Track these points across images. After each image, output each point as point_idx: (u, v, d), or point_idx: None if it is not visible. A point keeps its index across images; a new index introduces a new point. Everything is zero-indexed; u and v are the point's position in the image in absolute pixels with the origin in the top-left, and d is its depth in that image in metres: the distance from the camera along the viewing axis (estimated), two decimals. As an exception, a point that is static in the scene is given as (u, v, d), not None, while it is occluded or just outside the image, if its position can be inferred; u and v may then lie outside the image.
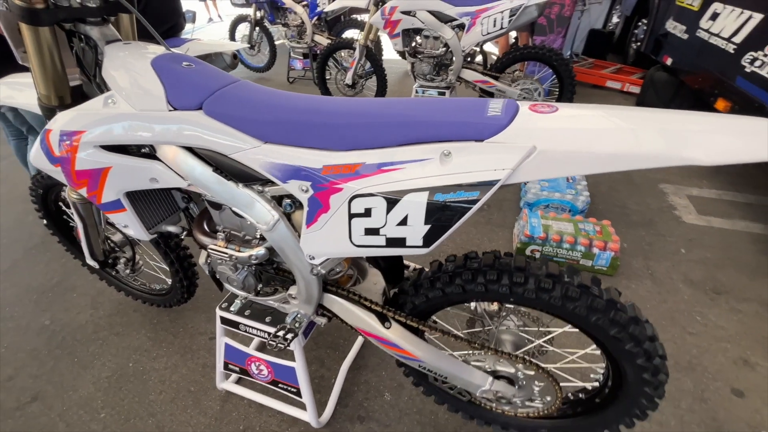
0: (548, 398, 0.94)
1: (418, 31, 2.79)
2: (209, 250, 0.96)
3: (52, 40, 0.80)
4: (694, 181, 2.58)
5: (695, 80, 2.94)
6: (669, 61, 3.40)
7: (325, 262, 0.85)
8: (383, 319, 0.96)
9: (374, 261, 0.98)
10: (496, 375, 0.95)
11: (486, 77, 2.79)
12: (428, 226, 0.65)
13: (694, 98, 3.23)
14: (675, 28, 3.38)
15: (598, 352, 0.92)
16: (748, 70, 2.29)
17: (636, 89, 3.88)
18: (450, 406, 1.20)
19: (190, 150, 0.82)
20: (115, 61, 0.81)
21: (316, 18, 4.10)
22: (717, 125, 0.51)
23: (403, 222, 0.67)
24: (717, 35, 2.68)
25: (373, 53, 3.13)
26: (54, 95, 0.86)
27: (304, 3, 4.06)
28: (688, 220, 2.20)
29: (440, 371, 0.94)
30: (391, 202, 0.66)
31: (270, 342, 0.99)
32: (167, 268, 1.44)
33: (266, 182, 0.82)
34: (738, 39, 2.43)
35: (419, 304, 0.94)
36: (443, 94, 2.92)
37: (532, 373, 0.90)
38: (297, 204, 0.84)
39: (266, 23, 4.53)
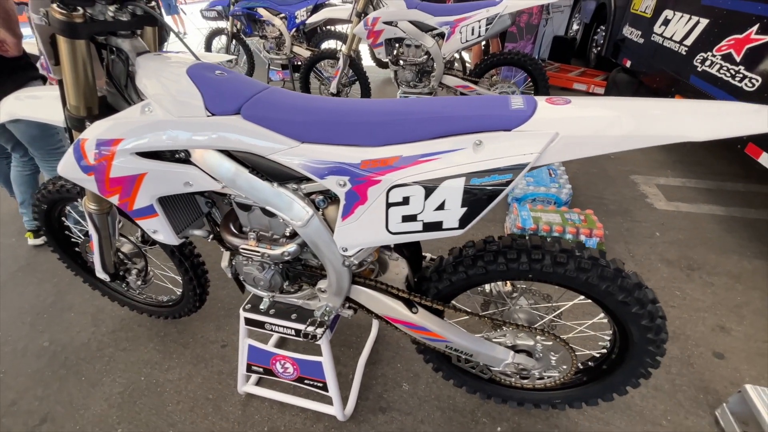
0: (564, 366, 1.03)
1: (400, 41, 2.91)
2: (241, 251, 0.99)
3: (87, 52, 0.83)
4: (661, 171, 2.81)
5: (653, 80, 3.21)
6: (628, 64, 3.69)
7: (358, 253, 0.91)
8: (410, 305, 1.02)
9: (399, 250, 1.04)
10: (517, 348, 1.03)
11: (466, 82, 2.94)
12: (464, 209, 0.73)
13: (653, 96, 3.51)
14: (631, 33, 3.68)
15: (605, 320, 1.03)
16: (700, 69, 2.54)
17: (601, 90, 4.16)
18: (468, 388, 1.28)
19: (226, 153, 0.86)
20: (150, 71, 0.85)
21: (294, 29, 4.16)
22: (702, 109, 0.62)
23: (441, 207, 0.74)
24: (670, 39, 2.95)
25: (356, 62, 3.22)
26: (83, 106, 0.88)
27: (282, 15, 4.11)
28: (659, 207, 2.40)
29: (466, 349, 1.02)
30: (430, 189, 0.73)
31: (302, 336, 1.02)
32: (177, 278, 1.44)
33: (301, 180, 0.87)
34: (689, 42, 2.70)
35: (443, 289, 1.01)
36: (426, 99, 3.04)
37: (550, 343, 0.99)
38: (329, 200, 0.90)
39: (242, 36, 4.55)
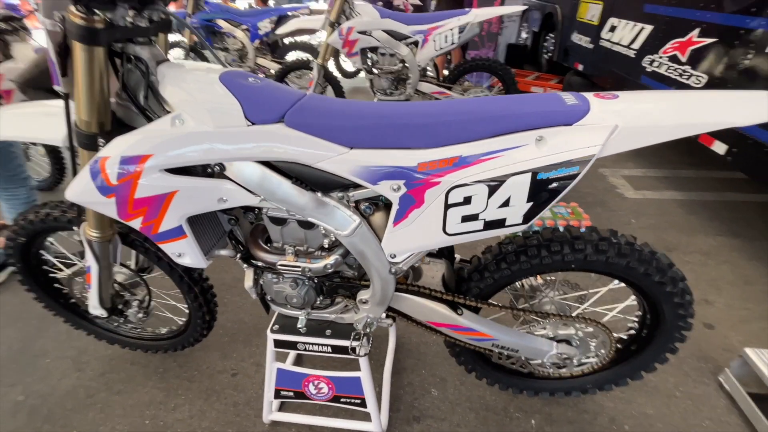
0: (602, 351, 1.08)
1: (374, 49, 2.94)
2: (279, 267, 0.93)
3: (105, 61, 0.75)
4: (623, 164, 3.05)
5: (606, 81, 3.50)
6: (580, 67, 4.00)
7: (408, 258, 0.89)
8: (454, 307, 1.02)
9: (439, 252, 1.04)
10: (558, 339, 1.06)
11: (441, 88, 3.02)
12: (530, 204, 0.74)
13: (605, 96, 3.83)
14: (580, 39, 4.00)
15: (634, 303, 1.08)
16: (649, 70, 2.81)
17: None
18: (501, 385, 1.29)
19: (266, 164, 0.81)
20: (178, 81, 0.78)
21: (258, 41, 4.06)
22: (734, 97, 0.69)
23: (505, 204, 0.75)
24: (618, 44, 3.24)
25: (329, 72, 3.20)
26: (96, 122, 0.79)
27: (244, 27, 4.00)
28: (629, 196, 2.60)
29: (513, 345, 1.02)
30: (494, 187, 0.74)
31: (350, 350, 0.98)
32: (179, 305, 1.32)
33: (347, 188, 0.84)
34: (636, 46, 2.98)
35: (484, 288, 1.01)
36: (404, 106, 3.09)
37: (591, 329, 1.03)
38: (375, 206, 0.87)
39: (200, 48, 4.35)
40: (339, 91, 3.33)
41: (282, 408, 1.33)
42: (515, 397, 1.38)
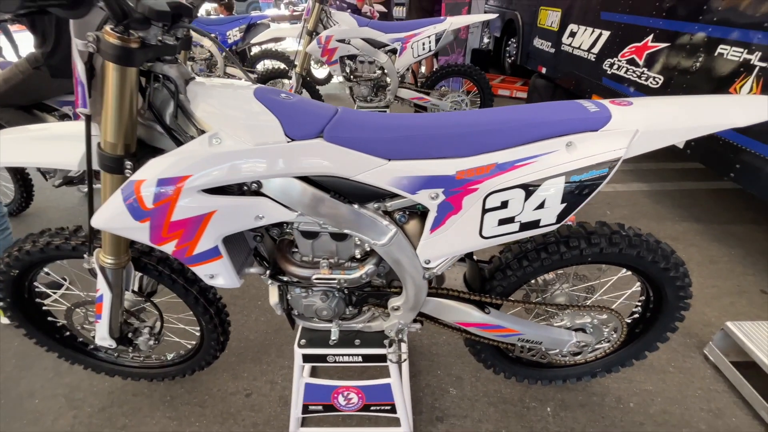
0: (614, 335, 1.16)
1: (353, 57, 2.96)
2: (315, 281, 0.93)
3: (136, 82, 0.72)
4: (591, 160, 3.27)
5: (569, 83, 3.74)
6: (544, 70, 4.24)
7: (442, 264, 0.92)
8: (481, 306, 1.06)
9: (465, 257, 1.07)
10: (575, 328, 1.13)
11: (420, 94, 3.10)
12: (564, 205, 0.80)
13: (569, 96, 4.09)
14: (542, 44, 4.24)
15: (638, 289, 1.18)
16: (609, 72, 3.04)
17: (523, 95, 4.70)
18: (518, 378, 1.35)
19: (304, 179, 0.81)
20: (212, 99, 0.76)
21: (227, 50, 3.95)
22: (734, 101, 0.78)
23: (540, 206, 0.80)
24: (579, 48, 3.48)
25: (308, 80, 3.18)
26: (122, 144, 0.76)
27: (212, 35, 3.88)
28: (601, 189, 2.79)
29: (537, 337, 1.08)
30: (530, 191, 0.79)
31: (389, 358, 0.99)
32: (185, 328, 1.27)
33: (383, 198, 0.86)
34: (596, 50, 3.21)
35: (507, 286, 1.07)
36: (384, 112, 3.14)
37: (605, 316, 1.11)
38: (408, 215, 0.90)
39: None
40: (318, 99, 3.32)
41: (304, 423, 1.31)
42: (529, 388, 1.44)
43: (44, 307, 1.26)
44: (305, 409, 1.18)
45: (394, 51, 2.91)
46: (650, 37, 2.59)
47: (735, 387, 1.42)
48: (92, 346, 1.36)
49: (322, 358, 1.10)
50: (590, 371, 1.33)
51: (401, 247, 0.89)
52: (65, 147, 0.84)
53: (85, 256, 0.99)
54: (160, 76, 0.77)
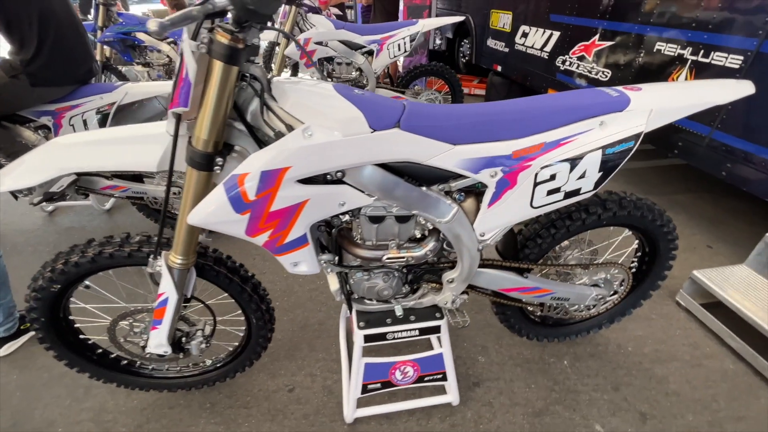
0: (622, 287, 1.37)
1: (330, 59, 3.02)
2: (386, 261, 1.01)
3: (236, 81, 0.76)
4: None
5: (525, 79, 4.08)
6: (499, 68, 4.58)
7: (495, 235, 1.05)
8: (520, 272, 1.21)
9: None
10: (593, 284, 1.32)
11: (397, 93, 3.23)
12: (600, 174, 0.96)
13: (524, 92, 4.46)
14: (496, 44, 4.58)
15: (636, 246, 1.40)
16: (562, 68, 3.39)
17: (481, 92, 5.02)
18: (539, 338, 1.53)
19: (382, 166, 0.90)
20: (300, 95, 0.82)
21: (187, 55, 3.79)
22: (714, 84, 1.00)
23: (582, 176, 0.96)
24: (532, 47, 3.83)
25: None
26: (213, 141, 0.79)
27: (171, 40, 3.71)
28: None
29: (566, 294, 1.25)
30: (574, 164, 0.94)
31: (454, 323, 1.10)
32: (225, 329, 1.28)
33: (447, 180, 0.97)
34: (548, 48, 3.56)
35: (538, 252, 1.22)
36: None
37: (616, 271, 1.31)
38: (466, 194, 1.02)
39: (115, 65, 3.90)
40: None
41: (359, 405, 1.37)
42: (546, 347, 1.63)
43: (76, 325, 1.20)
44: (364, 389, 1.25)
45: (370, 52, 3.01)
46: (597, 36, 2.96)
47: (705, 324, 1.71)
48: (126, 361, 1.31)
49: (382, 336, 1.18)
50: (597, 324, 1.54)
51: (461, 222, 1.00)
52: (139, 149, 0.84)
53: (149, 260, 0.98)
54: (247, 75, 0.81)
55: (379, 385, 1.25)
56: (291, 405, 1.42)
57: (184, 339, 1.17)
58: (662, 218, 1.23)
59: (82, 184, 2.00)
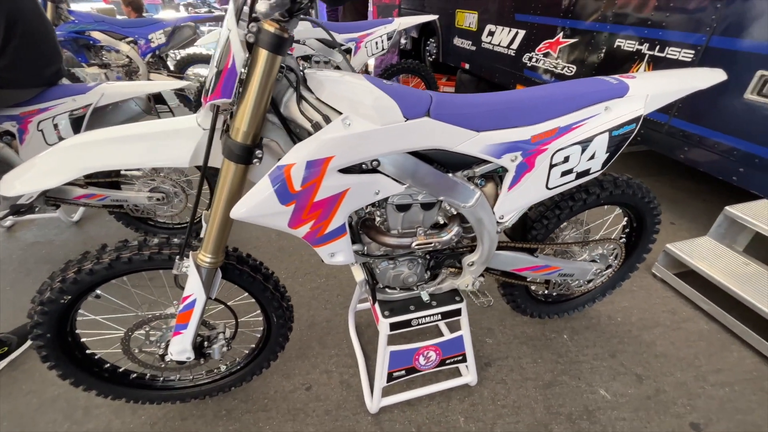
0: (616, 261, 1.49)
1: (307, 58, 2.99)
2: (415, 247, 1.04)
3: (278, 71, 0.75)
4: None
5: (493, 76, 4.26)
6: (467, 66, 4.74)
7: (513, 217, 1.11)
8: (531, 252, 1.28)
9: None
10: (591, 259, 1.43)
11: (375, 91, 3.25)
12: (607, 154, 1.05)
13: (492, 88, 4.65)
14: (463, 43, 4.73)
15: (625, 223, 1.53)
16: (529, 64, 3.58)
17: (450, 89, 5.17)
18: (541, 315, 1.63)
19: (413, 154, 0.92)
20: (337, 85, 0.83)
21: (150, 55, 3.60)
22: (694, 72, 1.12)
23: (592, 157, 1.04)
24: (499, 45, 4.00)
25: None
26: (253, 133, 0.79)
27: (129, 39, 3.50)
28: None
29: (571, 270, 1.34)
30: (585, 146, 1.02)
31: (478, 302, 1.14)
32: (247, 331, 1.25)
33: (470, 166, 1.01)
34: (515, 46, 3.74)
35: (544, 232, 1.30)
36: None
37: (612, 246, 1.42)
38: (485, 179, 1.07)
39: (67, 66, 3.61)
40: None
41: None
42: (546, 324, 1.73)
43: (83, 339, 1.12)
44: (389, 377, 1.27)
45: (348, 50, 3.02)
46: (561, 35, 3.15)
47: (680, 291, 1.90)
48: (135, 375, 1.24)
49: (407, 323, 1.21)
50: (592, 298, 1.67)
51: (484, 206, 1.05)
52: (170, 144, 0.81)
53: (176, 261, 0.94)
54: (283, 66, 0.81)
55: (403, 372, 1.28)
56: (311, 403, 1.41)
57: (205, 343, 1.13)
58: (649, 195, 1.36)
59: (53, 194, 1.85)
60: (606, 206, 1.38)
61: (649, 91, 1.05)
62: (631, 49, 2.55)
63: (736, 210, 1.82)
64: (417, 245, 1.05)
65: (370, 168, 0.89)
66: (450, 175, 0.98)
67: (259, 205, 0.79)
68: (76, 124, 1.76)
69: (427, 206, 1.06)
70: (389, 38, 3.02)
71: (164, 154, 0.81)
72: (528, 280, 1.39)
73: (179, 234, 1.71)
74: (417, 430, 1.31)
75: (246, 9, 0.77)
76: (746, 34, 1.90)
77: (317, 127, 0.82)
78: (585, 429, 1.32)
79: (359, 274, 1.13)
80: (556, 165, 1.03)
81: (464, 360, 1.34)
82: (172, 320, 1.13)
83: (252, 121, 0.77)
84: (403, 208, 1.04)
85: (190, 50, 4.06)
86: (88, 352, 1.14)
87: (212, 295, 1.03)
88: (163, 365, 1.16)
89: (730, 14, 1.97)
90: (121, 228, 2.32)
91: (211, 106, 0.76)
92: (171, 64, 3.99)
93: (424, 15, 3.49)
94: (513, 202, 1.06)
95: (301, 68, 0.88)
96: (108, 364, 1.19)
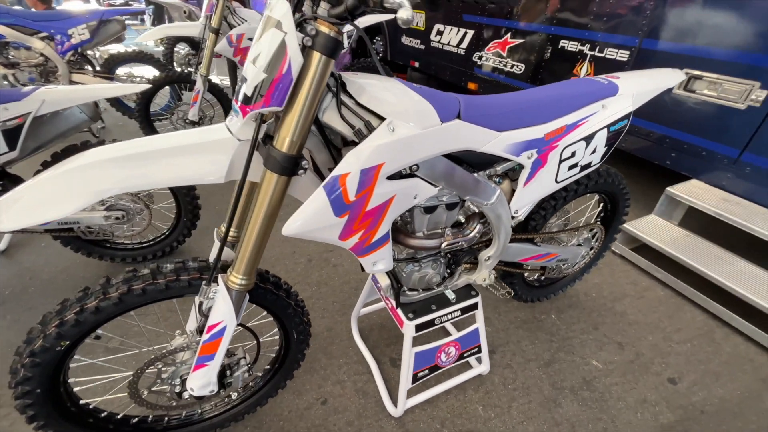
0: (597, 243, 1.64)
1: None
2: (444, 248, 1.05)
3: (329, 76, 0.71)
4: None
5: (444, 74, 4.41)
6: (417, 64, 4.84)
7: (525, 210, 1.18)
8: (532, 241, 1.36)
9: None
10: (577, 244, 1.56)
11: (336, 90, 3.19)
12: (606, 148, 1.15)
13: (442, 86, 4.81)
14: (411, 42, 4.83)
15: (600, 207, 1.69)
16: (480, 63, 3.77)
17: (401, 87, 5.24)
18: (533, 299, 1.74)
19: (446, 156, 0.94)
20: (378, 91, 0.80)
21: (71, 53, 3.14)
22: (663, 72, 1.28)
23: (593, 151, 1.13)
24: (448, 44, 4.15)
25: (214, 84, 2.86)
26: (300, 142, 0.74)
27: (44, 35, 3.02)
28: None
29: (567, 255, 1.46)
30: (588, 141, 1.11)
31: (502, 293, 1.19)
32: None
33: (491, 165, 1.05)
34: (464, 45, 3.91)
35: (541, 222, 1.40)
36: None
37: (597, 230, 1.57)
38: (501, 177, 1.12)
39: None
40: (227, 102, 3.03)
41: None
42: (534, 307, 1.85)
43: (75, 388, 0.96)
44: (414, 378, 1.28)
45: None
46: (508, 35, 3.37)
47: (637, 264, 2.15)
48: (137, 419, 1.10)
49: (431, 323, 1.22)
50: (573, 278, 1.82)
51: (502, 203, 1.10)
52: (201, 159, 0.73)
53: (202, 287, 0.85)
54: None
55: (427, 371, 1.29)
56: (330, 417, 1.36)
57: (227, 372, 1.03)
58: (623, 182, 1.52)
59: (-20, 220, 1.55)
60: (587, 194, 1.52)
61: (634, 90, 1.18)
62: (574, 50, 2.80)
63: (675, 190, 2.11)
64: (447, 245, 1.06)
65: (408, 173, 0.89)
66: (475, 174, 1.01)
67: (313, 218, 0.74)
68: (11, 136, 1.49)
69: (450, 206, 1.08)
70: (349, 37, 2.97)
71: (197, 170, 0.72)
72: (529, 268, 1.48)
73: (181, 256, 1.53)
74: (441, 426, 1.33)
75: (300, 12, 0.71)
76: (673, 37, 2.20)
77: (359, 134, 0.79)
78: (587, 398, 1.45)
79: (384, 280, 1.12)
80: (564, 160, 1.11)
81: (479, 351, 1.39)
82: (181, 353, 1.02)
83: (301, 129, 0.72)
84: (429, 209, 1.05)
85: (118, 47, 3.62)
86: (81, 402, 0.99)
87: (239, 319, 0.95)
88: (174, 404, 1.04)
89: (657, 19, 2.27)
90: (66, 253, 2.02)
91: (255, 115, 0.69)
92: (96, 63, 3.52)
93: (384, 14, 3.49)
94: (528, 197, 1.12)
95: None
96: (104, 413, 1.04)
